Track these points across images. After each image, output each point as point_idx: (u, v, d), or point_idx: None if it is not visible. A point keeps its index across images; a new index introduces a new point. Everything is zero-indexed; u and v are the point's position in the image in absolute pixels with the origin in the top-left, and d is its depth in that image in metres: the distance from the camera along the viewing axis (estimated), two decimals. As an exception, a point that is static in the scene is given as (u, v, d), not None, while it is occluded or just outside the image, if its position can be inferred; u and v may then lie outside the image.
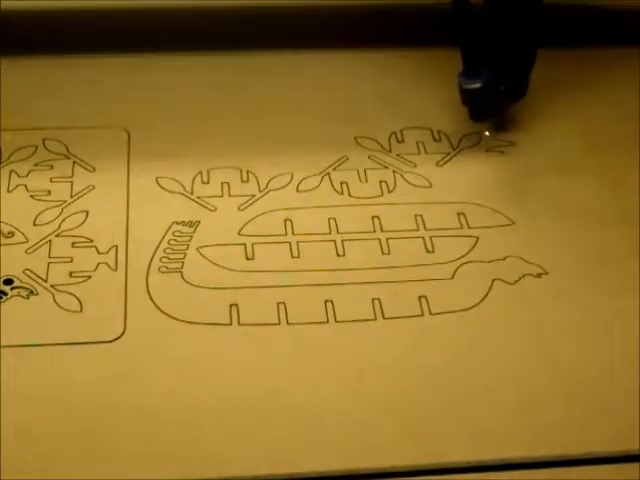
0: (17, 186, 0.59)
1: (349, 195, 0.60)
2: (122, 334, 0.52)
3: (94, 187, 0.59)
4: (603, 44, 0.69)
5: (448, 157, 0.63)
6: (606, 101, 0.66)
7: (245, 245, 0.57)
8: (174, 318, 0.53)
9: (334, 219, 0.58)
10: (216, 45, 0.68)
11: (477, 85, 0.60)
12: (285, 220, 0.58)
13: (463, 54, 0.60)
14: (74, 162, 0.61)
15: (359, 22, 0.69)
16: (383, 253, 0.57)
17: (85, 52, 0.67)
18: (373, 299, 0.54)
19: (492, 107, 0.62)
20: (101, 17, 0.68)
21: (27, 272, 0.54)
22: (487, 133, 0.63)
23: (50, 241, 0.56)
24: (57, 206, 0.58)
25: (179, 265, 0.55)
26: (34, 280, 0.54)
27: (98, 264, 0.55)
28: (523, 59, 0.60)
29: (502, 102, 0.63)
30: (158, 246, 0.56)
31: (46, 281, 0.54)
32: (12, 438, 0.48)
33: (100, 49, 0.67)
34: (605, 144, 0.63)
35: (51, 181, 0.60)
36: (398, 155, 0.63)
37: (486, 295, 0.55)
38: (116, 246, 0.56)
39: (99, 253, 0.56)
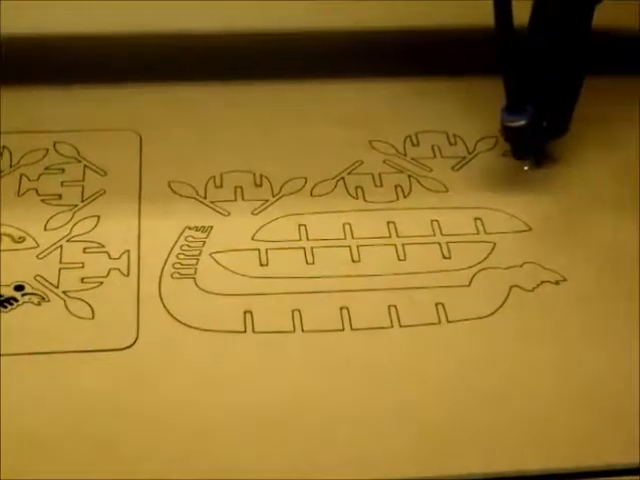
0: (27, 190, 0.59)
1: (364, 200, 0.59)
2: (135, 342, 0.51)
3: (105, 191, 0.59)
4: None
5: (464, 161, 0.62)
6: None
7: (259, 251, 0.56)
8: (187, 325, 0.52)
9: (349, 224, 0.58)
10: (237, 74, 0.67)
11: (522, 122, 0.57)
12: (299, 225, 0.57)
13: (507, 88, 0.57)
14: (85, 166, 0.60)
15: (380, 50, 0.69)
16: (399, 259, 0.56)
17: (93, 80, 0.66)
18: (389, 306, 0.53)
19: (535, 144, 0.60)
20: (106, 46, 0.68)
21: (38, 278, 0.54)
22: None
23: (61, 246, 0.55)
24: (68, 210, 0.57)
25: (192, 271, 0.55)
26: (45, 286, 0.53)
27: (110, 270, 0.54)
28: (569, 93, 0.58)
29: (545, 139, 0.60)
30: (170, 251, 0.56)
31: (57, 287, 0.53)
32: (22, 447, 0.47)
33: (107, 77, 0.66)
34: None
35: (62, 185, 0.59)
36: (413, 159, 0.62)
37: (504, 302, 0.54)
38: (128, 251, 0.55)
39: (111, 258, 0.55)
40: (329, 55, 0.68)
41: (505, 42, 0.55)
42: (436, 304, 0.54)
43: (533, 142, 0.60)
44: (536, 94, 0.57)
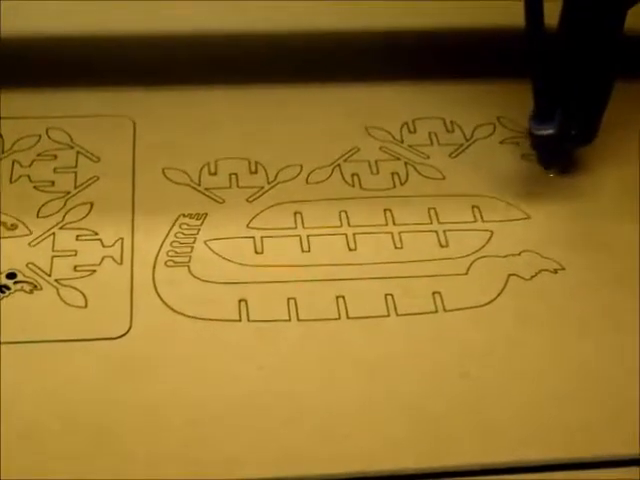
0: (20, 177, 0.58)
1: (360, 187, 0.59)
2: (128, 330, 0.51)
3: (98, 178, 0.58)
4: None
5: (461, 148, 0.61)
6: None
7: (254, 238, 0.55)
8: (181, 314, 0.52)
9: (345, 212, 0.57)
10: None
11: (550, 131, 0.55)
12: (295, 213, 0.57)
13: (536, 94, 0.55)
14: (78, 152, 0.60)
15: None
16: (396, 247, 0.55)
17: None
18: (386, 295, 0.53)
19: (563, 153, 0.59)
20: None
21: (30, 266, 0.53)
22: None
23: (54, 234, 0.55)
24: (61, 197, 0.57)
25: (186, 259, 0.54)
26: (37, 274, 0.53)
27: (103, 257, 0.54)
28: (599, 100, 0.56)
29: (572, 147, 0.59)
30: (165, 239, 0.55)
31: (50, 275, 0.53)
32: (15, 437, 0.46)
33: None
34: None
35: (55, 172, 0.58)
36: (410, 146, 0.61)
37: (501, 291, 0.53)
38: (122, 239, 0.55)
39: (104, 246, 0.54)
40: (327, 55, 0.67)
41: (536, 48, 0.54)
42: (433, 293, 0.53)
43: (561, 150, 0.59)
44: (565, 101, 0.56)
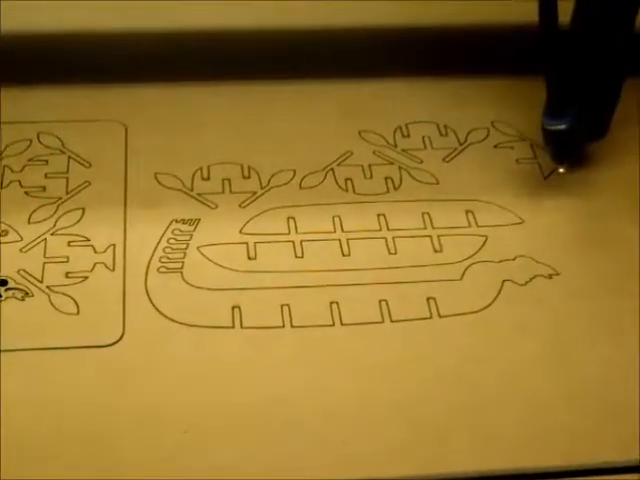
0: (11, 182, 0.57)
1: (354, 192, 0.58)
2: (120, 337, 0.50)
3: (90, 183, 0.58)
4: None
5: (455, 152, 0.61)
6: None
7: (247, 244, 0.55)
8: (174, 321, 0.51)
9: (339, 217, 0.57)
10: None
11: (562, 126, 0.56)
12: (288, 218, 0.56)
13: (549, 90, 0.56)
14: (69, 157, 0.59)
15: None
16: (389, 253, 0.55)
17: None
18: (380, 301, 0.53)
19: (575, 148, 0.59)
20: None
21: (22, 272, 0.53)
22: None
23: (45, 240, 0.54)
24: (52, 203, 0.56)
25: (179, 265, 0.54)
26: (29, 281, 0.52)
27: (95, 264, 0.54)
28: (610, 96, 0.57)
29: (584, 142, 0.59)
30: (157, 245, 0.55)
31: (41, 282, 0.52)
32: (9, 444, 0.46)
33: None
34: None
35: (46, 177, 0.58)
36: (404, 150, 0.61)
37: (496, 297, 0.53)
38: (114, 245, 0.55)
39: (96, 252, 0.54)
40: (320, 52, 0.67)
41: (550, 45, 0.54)
42: (427, 298, 0.53)
43: (572, 145, 0.59)
44: (577, 97, 0.56)
